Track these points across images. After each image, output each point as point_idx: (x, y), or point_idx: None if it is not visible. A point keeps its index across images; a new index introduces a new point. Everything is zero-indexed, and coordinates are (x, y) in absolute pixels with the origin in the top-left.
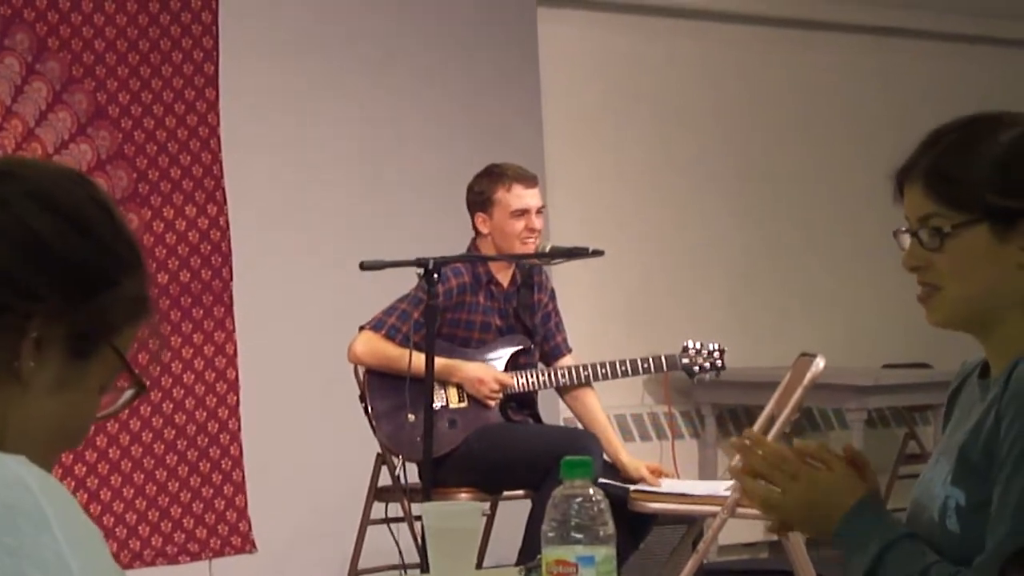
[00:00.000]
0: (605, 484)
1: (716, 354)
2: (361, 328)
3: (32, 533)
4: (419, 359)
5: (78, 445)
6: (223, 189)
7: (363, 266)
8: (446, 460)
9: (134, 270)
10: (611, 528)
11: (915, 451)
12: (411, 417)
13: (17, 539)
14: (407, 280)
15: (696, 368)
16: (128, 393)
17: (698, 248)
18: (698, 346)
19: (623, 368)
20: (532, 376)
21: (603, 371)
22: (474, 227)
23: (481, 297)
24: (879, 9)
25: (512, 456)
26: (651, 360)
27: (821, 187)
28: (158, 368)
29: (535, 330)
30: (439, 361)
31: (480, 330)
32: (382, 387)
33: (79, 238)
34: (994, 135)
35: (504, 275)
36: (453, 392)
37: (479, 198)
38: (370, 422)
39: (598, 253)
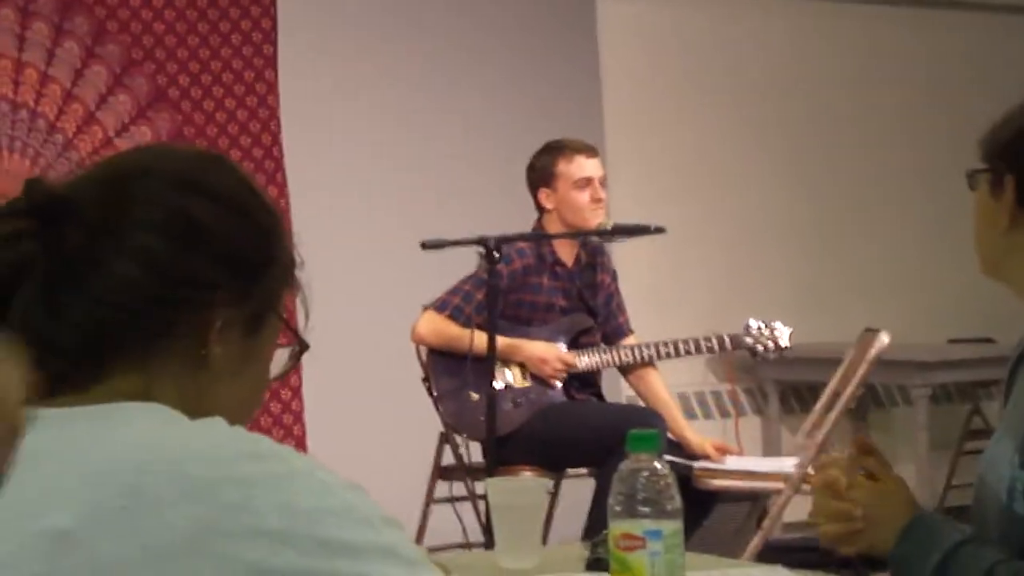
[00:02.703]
0: (669, 461)
1: (779, 333)
2: (424, 308)
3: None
4: (482, 339)
5: (257, 409)
6: (283, 170)
7: (424, 245)
8: (510, 439)
9: (283, 236)
10: (678, 502)
11: (980, 427)
12: (474, 396)
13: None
14: (468, 260)
15: (760, 347)
16: (292, 353)
17: (760, 225)
18: (762, 325)
19: (686, 347)
20: (595, 355)
21: (666, 350)
22: (538, 205)
23: (545, 278)
24: None
25: (576, 434)
26: (714, 339)
27: (884, 163)
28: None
29: (597, 310)
30: (502, 341)
31: (543, 310)
32: (445, 367)
33: (237, 219)
34: None
35: (568, 255)
36: (516, 371)
37: (541, 173)
38: (433, 402)
39: (660, 230)
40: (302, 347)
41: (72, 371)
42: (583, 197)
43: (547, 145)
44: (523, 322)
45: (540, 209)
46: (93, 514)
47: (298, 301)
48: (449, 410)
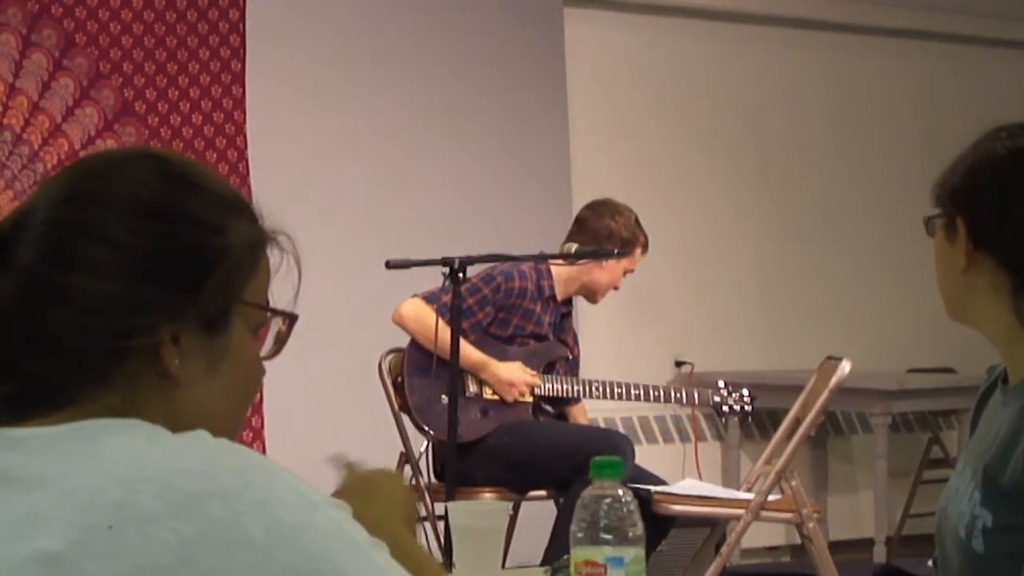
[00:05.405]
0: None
1: (747, 399)
2: (413, 295)
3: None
4: (456, 346)
5: (256, 394)
6: (249, 186)
7: (389, 265)
8: (475, 448)
9: (234, 220)
10: (640, 529)
11: (939, 456)
12: (444, 399)
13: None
14: (433, 280)
15: (726, 408)
16: (280, 329)
17: (724, 251)
18: (731, 388)
19: (656, 394)
20: (565, 383)
21: (636, 392)
22: (582, 242)
23: (539, 307)
24: (916, 13)
25: (542, 453)
26: (684, 392)
27: (849, 191)
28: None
29: (570, 347)
30: (475, 354)
31: (528, 337)
32: (421, 365)
33: (171, 227)
34: (983, 142)
35: (561, 292)
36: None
37: (619, 239)
38: (399, 407)
39: (623, 255)
40: (289, 320)
41: (44, 392)
42: (617, 282)
43: (636, 217)
44: (505, 341)
45: (578, 243)
46: (81, 536)
47: (283, 274)
48: (416, 402)
